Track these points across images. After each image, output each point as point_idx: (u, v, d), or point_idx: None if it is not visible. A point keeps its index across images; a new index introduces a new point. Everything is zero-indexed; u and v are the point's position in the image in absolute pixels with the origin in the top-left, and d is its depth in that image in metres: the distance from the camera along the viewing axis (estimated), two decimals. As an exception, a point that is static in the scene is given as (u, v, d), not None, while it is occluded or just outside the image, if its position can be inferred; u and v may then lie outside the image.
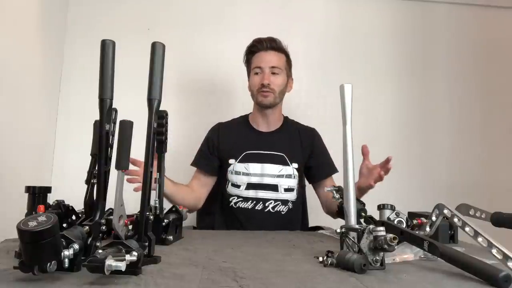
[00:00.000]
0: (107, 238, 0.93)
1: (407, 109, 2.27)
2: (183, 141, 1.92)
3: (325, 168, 1.64)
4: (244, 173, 1.56)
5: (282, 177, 1.56)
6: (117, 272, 0.61)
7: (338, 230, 0.86)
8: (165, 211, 1.05)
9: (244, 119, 1.70)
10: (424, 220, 1.02)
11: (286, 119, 1.71)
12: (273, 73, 1.57)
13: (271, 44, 1.59)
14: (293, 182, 1.58)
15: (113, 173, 0.77)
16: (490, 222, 1.04)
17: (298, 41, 1.66)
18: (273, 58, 1.58)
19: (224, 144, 1.62)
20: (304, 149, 1.63)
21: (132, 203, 0.87)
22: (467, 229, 0.85)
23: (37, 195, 0.91)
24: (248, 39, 1.65)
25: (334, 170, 1.64)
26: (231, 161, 1.58)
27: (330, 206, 1.55)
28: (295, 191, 1.58)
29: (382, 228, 0.77)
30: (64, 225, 0.85)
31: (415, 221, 1.03)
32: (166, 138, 1.02)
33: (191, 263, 0.79)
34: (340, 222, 0.91)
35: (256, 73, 1.59)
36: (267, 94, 1.56)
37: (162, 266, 0.76)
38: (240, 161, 1.57)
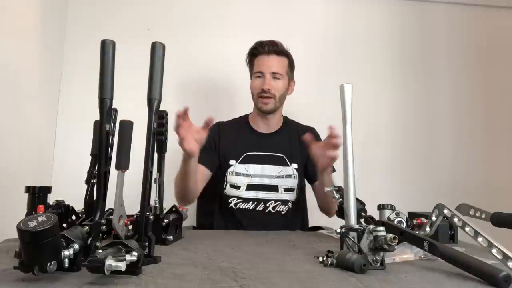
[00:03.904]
0: (107, 238, 0.93)
1: (408, 109, 2.27)
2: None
3: None
4: (245, 174, 1.56)
5: (282, 177, 1.57)
6: (117, 272, 0.61)
7: (338, 230, 0.86)
8: (165, 211, 1.05)
9: (244, 119, 1.70)
10: (424, 220, 1.02)
11: (285, 119, 1.71)
12: (275, 78, 1.56)
13: (273, 48, 1.57)
14: (292, 182, 1.58)
15: (113, 173, 0.77)
16: (490, 222, 1.04)
17: (298, 41, 1.66)
18: (275, 63, 1.57)
19: (224, 145, 1.61)
20: (303, 149, 1.63)
21: (132, 203, 0.87)
22: (467, 229, 0.84)
23: (37, 195, 0.91)
24: (248, 39, 1.64)
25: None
26: (232, 162, 1.57)
27: (327, 203, 1.56)
28: (295, 191, 1.59)
29: (382, 228, 0.77)
30: (64, 225, 0.85)
31: (415, 221, 1.03)
32: (166, 138, 1.02)
33: (191, 263, 0.79)
34: (340, 222, 0.91)
35: (258, 77, 1.58)
36: (267, 101, 1.56)
37: (162, 266, 0.76)
38: (241, 162, 1.57)
